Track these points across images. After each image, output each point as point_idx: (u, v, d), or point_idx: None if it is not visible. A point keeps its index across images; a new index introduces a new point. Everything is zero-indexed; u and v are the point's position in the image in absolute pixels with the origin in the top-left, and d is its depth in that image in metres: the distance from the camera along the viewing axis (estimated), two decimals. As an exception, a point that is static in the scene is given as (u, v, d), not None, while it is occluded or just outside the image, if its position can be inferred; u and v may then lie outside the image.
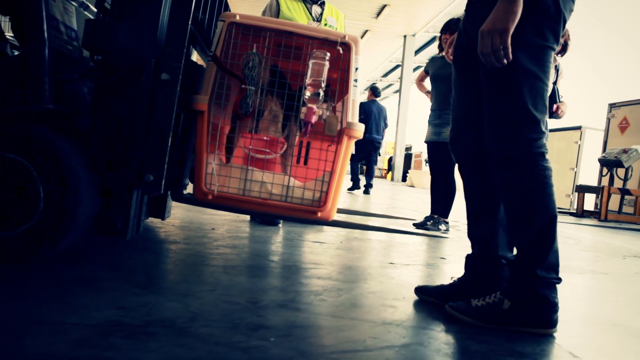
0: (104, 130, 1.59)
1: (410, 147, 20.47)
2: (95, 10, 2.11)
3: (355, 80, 1.73)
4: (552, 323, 1.32)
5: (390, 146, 20.67)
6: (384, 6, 13.13)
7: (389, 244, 2.61)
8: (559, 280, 1.34)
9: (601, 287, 2.16)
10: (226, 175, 1.71)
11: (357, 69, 1.73)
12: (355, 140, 1.76)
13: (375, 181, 9.09)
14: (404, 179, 15.93)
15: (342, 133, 1.69)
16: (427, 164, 17.78)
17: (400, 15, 13.65)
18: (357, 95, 1.74)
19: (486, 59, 1.27)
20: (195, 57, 2.16)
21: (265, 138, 1.82)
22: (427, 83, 3.98)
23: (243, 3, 13.57)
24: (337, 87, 1.74)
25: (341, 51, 1.69)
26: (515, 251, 1.42)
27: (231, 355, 0.98)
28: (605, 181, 7.67)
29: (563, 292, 1.98)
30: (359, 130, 1.71)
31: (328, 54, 1.64)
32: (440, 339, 1.22)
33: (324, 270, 1.85)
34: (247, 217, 2.90)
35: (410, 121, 15.51)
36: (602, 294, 2.02)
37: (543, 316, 1.31)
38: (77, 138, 1.68)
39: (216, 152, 1.71)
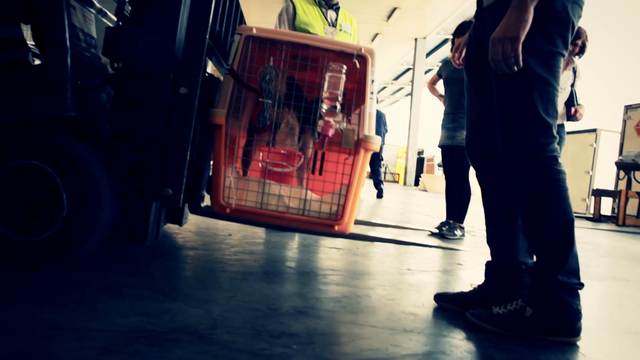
0: (124, 138, 1.61)
1: (423, 151, 20.40)
2: (113, 17, 2.14)
3: (372, 93, 1.73)
4: (576, 331, 1.30)
5: (402, 150, 20.61)
6: (395, 9, 13.12)
7: (405, 250, 2.60)
8: (581, 285, 1.32)
9: (623, 294, 2.12)
10: (244, 188, 1.72)
11: (373, 81, 1.73)
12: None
13: (387, 185, 9.08)
14: (416, 183, 15.87)
15: (359, 146, 1.69)
16: (440, 168, 17.71)
17: (411, 17, 13.64)
18: (374, 107, 1.74)
19: (497, 65, 1.28)
20: (209, 67, 2.17)
21: (282, 151, 1.83)
22: (439, 86, 3.96)
23: (254, 7, 13.66)
24: (354, 99, 1.74)
25: (357, 64, 1.69)
26: (534, 257, 1.40)
27: (255, 363, 0.98)
28: (622, 185, 7.55)
29: (585, 300, 1.95)
30: (376, 143, 1.71)
31: (344, 67, 1.64)
32: (462, 347, 1.21)
33: (342, 276, 1.85)
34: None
35: (422, 125, 15.46)
36: (624, 302, 1.99)
37: (566, 324, 1.29)
38: (98, 145, 1.71)
39: (234, 165, 1.72)
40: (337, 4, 2.89)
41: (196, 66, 1.60)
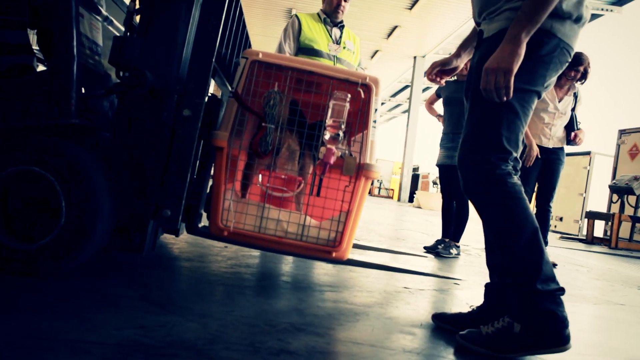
0: (125, 147, 1.61)
1: (418, 168, 20.48)
2: (118, 25, 2.15)
3: (374, 121, 1.74)
4: (566, 339, 1.28)
5: (397, 166, 20.69)
6: (395, 27, 13.29)
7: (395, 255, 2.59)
8: (562, 290, 1.31)
9: (618, 319, 2.12)
10: (242, 212, 1.71)
11: (376, 110, 1.74)
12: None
13: (381, 201, 9.10)
14: (410, 199, 15.89)
15: (360, 173, 1.69)
16: (435, 186, 17.77)
17: (410, 36, 13.81)
18: (376, 136, 1.74)
19: (488, 94, 1.30)
20: (212, 87, 2.18)
21: (283, 176, 1.83)
22: (437, 106, 3.98)
23: (256, 19, 13.78)
24: (356, 127, 1.74)
25: (362, 93, 1.69)
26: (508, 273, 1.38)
27: (253, 380, 0.96)
28: (615, 208, 7.61)
29: (581, 324, 1.95)
30: (376, 171, 1.72)
31: (349, 96, 1.65)
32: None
33: (339, 292, 1.83)
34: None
35: (418, 142, 15.54)
36: (620, 326, 1.99)
37: (556, 334, 1.27)
38: (99, 153, 1.70)
39: (233, 188, 1.72)
40: (341, 22, 2.92)
41: (201, 89, 1.61)
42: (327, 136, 1.64)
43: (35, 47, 1.99)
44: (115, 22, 2.15)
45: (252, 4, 12.72)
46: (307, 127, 1.74)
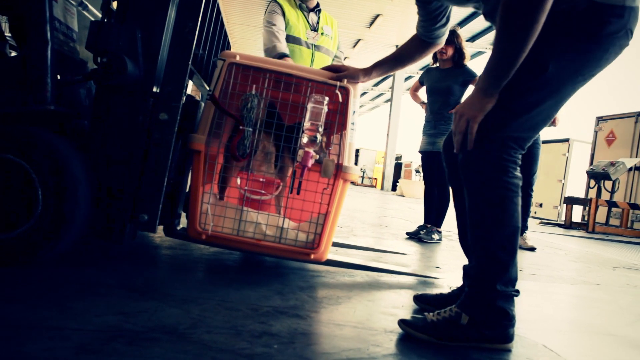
0: (103, 134, 1.58)
1: (401, 157, 20.61)
2: (94, 10, 2.10)
3: (353, 123, 1.74)
4: (510, 337, 1.26)
5: (380, 155, 20.79)
6: (377, 16, 13.26)
7: (384, 253, 2.62)
8: (517, 293, 1.28)
9: (594, 297, 2.18)
10: (221, 215, 1.71)
11: (354, 112, 1.74)
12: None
13: (365, 190, 9.16)
14: (393, 188, 16.01)
15: (338, 176, 1.70)
16: (417, 174, 17.92)
17: (393, 25, 13.79)
18: (354, 138, 1.75)
19: (455, 139, 1.28)
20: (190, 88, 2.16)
21: (261, 179, 1.83)
22: (421, 93, 4.01)
23: (235, 8, 13.61)
24: (335, 130, 1.74)
25: (340, 96, 1.69)
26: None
27: (236, 362, 0.97)
28: (592, 193, 7.80)
29: (558, 302, 2.01)
30: (354, 173, 1.73)
31: (327, 99, 1.65)
32: (443, 348, 1.22)
33: (322, 278, 1.85)
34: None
35: (400, 131, 15.62)
36: (595, 304, 2.05)
37: (502, 331, 1.25)
38: (76, 140, 1.67)
39: (211, 191, 1.71)
40: (317, 6, 2.88)
41: (177, 92, 1.59)
42: (305, 139, 1.64)
43: (7, 33, 1.94)
44: (90, 7, 2.10)
45: (232, -7, 12.55)
46: (285, 129, 1.73)
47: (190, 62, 1.62)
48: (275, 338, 1.12)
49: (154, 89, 1.61)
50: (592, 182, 7.78)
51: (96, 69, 1.54)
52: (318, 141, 1.64)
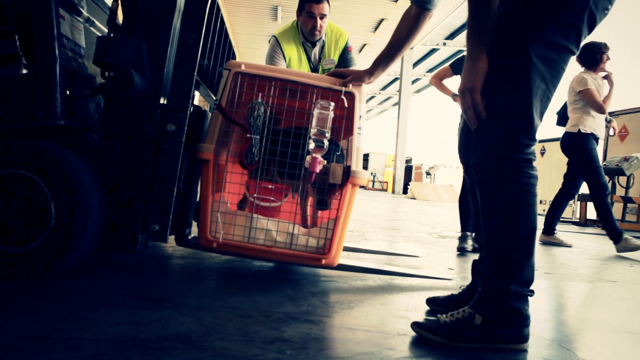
0: (112, 146, 1.61)
1: (411, 159, 20.53)
2: (101, 26, 2.13)
3: (360, 128, 1.74)
4: (525, 337, 1.24)
5: (390, 159, 20.73)
6: (382, 20, 13.28)
7: (396, 256, 2.60)
8: (532, 292, 1.26)
9: (611, 295, 2.15)
10: (231, 223, 1.72)
11: (360, 116, 1.74)
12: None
13: (376, 194, 9.15)
14: (405, 191, 15.94)
15: (347, 181, 1.69)
16: (428, 176, 17.82)
17: (397, 28, 13.78)
18: (362, 142, 1.75)
19: (467, 117, 1.27)
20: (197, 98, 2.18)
21: (270, 186, 1.84)
22: (447, 82, 3.55)
23: (241, 18, 13.74)
24: (342, 135, 1.74)
25: (345, 101, 1.70)
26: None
27: (248, 368, 0.97)
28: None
29: (575, 301, 1.98)
30: (363, 178, 1.71)
31: (332, 104, 1.65)
32: (457, 350, 1.21)
33: (334, 283, 1.84)
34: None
35: (410, 133, 15.57)
36: (612, 302, 2.01)
37: (516, 331, 1.23)
38: (86, 154, 1.70)
39: (221, 199, 1.72)
40: (320, 39, 2.82)
41: (184, 103, 1.61)
42: (312, 145, 1.64)
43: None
44: (97, 23, 2.14)
45: (236, 3, 12.67)
46: (293, 134, 1.73)
47: (195, 73, 1.64)
48: (287, 344, 1.12)
49: (161, 101, 1.63)
50: (606, 178, 7.67)
51: (104, 83, 1.56)
52: (325, 146, 1.65)
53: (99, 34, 2.07)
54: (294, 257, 1.72)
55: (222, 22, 2.07)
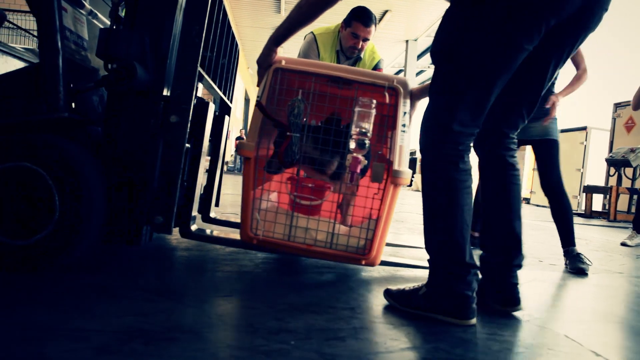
0: (116, 139, 1.61)
1: (415, 152, 20.45)
2: (103, 19, 2.13)
3: (404, 125, 1.68)
4: (466, 314, 1.31)
5: (394, 151, 20.61)
6: (386, 12, 13.18)
7: (401, 248, 2.60)
8: (467, 271, 1.33)
9: (616, 286, 2.14)
10: (272, 220, 1.70)
11: (405, 113, 1.69)
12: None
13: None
14: (409, 183, 15.92)
15: (388, 180, 1.65)
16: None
17: (401, 20, 13.70)
18: (405, 141, 1.69)
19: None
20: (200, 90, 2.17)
21: (310, 185, 1.80)
22: None
23: (245, 12, 13.67)
24: (384, 133, 1.70)
25: (388, 97, 1.64)
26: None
27: (252, 358, 0.97)
28: (613, 181, 7.63)
29: (581, 292, 1.97)
30: (406, 177, 1.67)
31: (374, 101, 1.60)
32: (473, 341, 1.21)
33: (337, 273, 1.84)
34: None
35: (415, 126, 15.49)
36: (617, 293, 2.01)
37: (455, 306, 1.31)
38: (90, 146, 1.70)
39: (261, 197, 1.71)
40: (357, 55, 2.77)
41: (187, 94, 1.61)
42: (352, 144, 1.60)
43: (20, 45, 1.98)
44: (100, 15, 2.13)
45: (240, -5, 12.61)
46: (334, 132, 1.67)
47: (198, 65, 1.63)
48: (292, 334, 1.13)
49: (164, 93, 1.63)
50: (612, 170, 7.62)
51: (107, 76, 1.56)
52: (366, 146, 1.61)
53: (102, 27, 2.07)
54: (334, 257, 1.71)
55: (225, 14, 2.06)
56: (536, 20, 1.22)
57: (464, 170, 1.35)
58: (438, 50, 1.34)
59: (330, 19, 2.79)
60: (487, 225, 1.56)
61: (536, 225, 5.17)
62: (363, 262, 1.70)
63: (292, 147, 1.63)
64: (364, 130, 1.59)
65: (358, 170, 1.61)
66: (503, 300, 1.48)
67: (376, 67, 2.90)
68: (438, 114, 1.35)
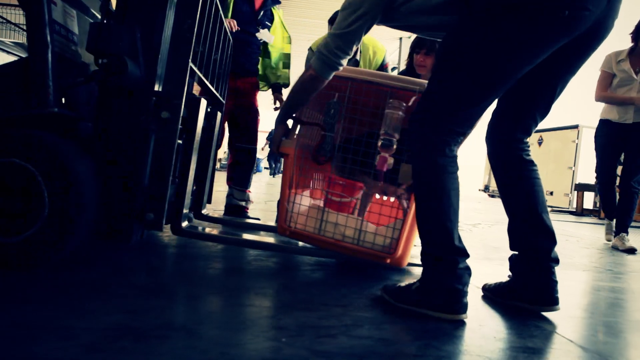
0: (107, 134, 1.59)
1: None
2: (95, 14, 2.11)
3: None
4: (457, 309, 1.31)
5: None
6: (379, 9, 13.17)
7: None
8: (456, 261, 1.33)
9: (606, 284, 2.16)
10: (305, 214, 1.80)
11: None
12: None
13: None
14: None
15: None
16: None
17: (395, 17, 13.69)
18: None
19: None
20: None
21: (341, 182, 1.87)
22: None
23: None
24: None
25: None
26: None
27: (244, 356, 0.97)
28: (603, 179, 7.67)
29: (569, 288, 1.98)
30: None
31: (404, 104, 1.65)
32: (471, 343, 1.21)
33: (330, 269, 1.84)
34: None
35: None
36: (607, 290, 2.02)
37: (446, 301, 1.32)
38: (80, 142, 1.68)
39: (297, 192, 1.81)
40: (354, 56, 2.75)
41: (178, 90, 1.60)
42: (380, 143, 1.64)
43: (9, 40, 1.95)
44: (92, 10, 2.11)
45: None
46: (366, 134, 1.76)
47: (190, 60, 1.62)
48: (283, 331, 1.12)
49: (156, 88, 1.61)
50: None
51: (97, 71, 1.54)
52: (394, 145, 1.63)
53: (92, 21, 2.04)
54: (360, 253, 1.73)
55: (217, 9, 2.04)
56: (548, 41, 1.26)
57: (450, 157, 1.36)
58: (443, 52, 1.37)
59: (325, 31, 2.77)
60: (514, 225, 1.54)
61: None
62: (388, 261, 1.70)
63: (325, 146, 1.75)
64: (391, 131, 1.63)
65: (385, 169, 1.64)
66: (542, 301, 1.46)
67: (382, 64, 2.90)
68: (432, 108, 1.36)
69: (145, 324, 1.09)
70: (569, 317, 1.51)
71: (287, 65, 3.20)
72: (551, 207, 9.90)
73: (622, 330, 1.44)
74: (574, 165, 10.15)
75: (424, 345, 1.13)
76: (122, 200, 1.59)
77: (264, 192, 7.04)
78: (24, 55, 2.03)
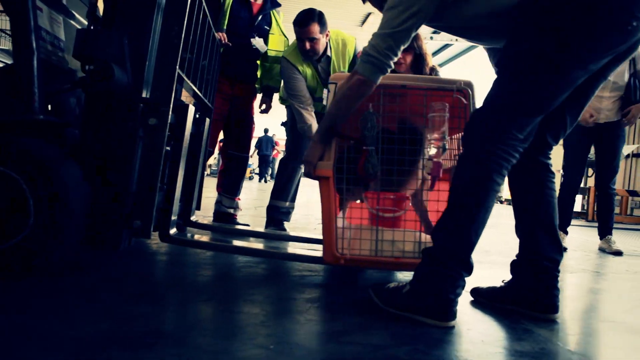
0: (94, 141, 1.58)
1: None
2: (80, 19, 2.09)
3: None
4: (448, 316, 1.29)
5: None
6: (369, 14, 13.25)
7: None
8: (459, 275, 1.31)
9: (593, 285, 2.18)
10: (357, 237, 1.67)
11: None
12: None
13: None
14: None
15: None
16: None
17: (384, 22, 13.77)
18: None
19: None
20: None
21: (391, 196, 1.77)
22: None
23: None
24: (458, 136, 1.68)
25: (463, 99, 1.64)
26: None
27: (232, 363, 0.96)
28: (591, 182, 7.78)
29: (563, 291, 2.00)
30: None
31: (447, 105, 1.60)
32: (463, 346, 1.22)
33: (320, 275, 1.84)
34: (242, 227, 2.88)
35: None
36: (594, 292, 2.05)
37: (437, 308, 1.29)
38: (67, 149, 1.67)
39: (343, 215, 1.70)
40: (324, 53, 2.76)
41: (166, 97, 1.59)
42: (432, 151, 1.59)
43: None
44: (77, 16, 2.10)
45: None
46: (408, 140, 1.65)
47: (177, 66, 1.62)
48: (271, 339, 1.12)
49: (143, 95, 1.61)
50: (590, 171, 7.78)
51: (84, 77, 1.53)
52: (446, 150, 1.60)
53: (79, 27, 2.03)
54: None
55: (205, 15, 2.05)
56: (608, 51, 1.28)
57: (503, 176, 1.34)
58: (505, 62, 1.38)
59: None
60: (526, 231, 1.51)
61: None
62: None
63: (370, 161, 1.60)
64: (441, 135, 1.59)
65: (440, 175, 1.59)
66: (543, 307, 1.46)
67: (355, 53, 2.85)
68: (499, 110, 1.33)
69: (133, 332, 1.08)
70: (557, 320, 1.52)
71: None
72: (540, 210, 9.98)
73: (609, 333, 1.46)
74: (562, 169, 10.26)
75: (413, 350, 1.13)
76: (109, 207, 1.58)
77: (254, 197, 7.02)
78: (9, 61, 2.01)
